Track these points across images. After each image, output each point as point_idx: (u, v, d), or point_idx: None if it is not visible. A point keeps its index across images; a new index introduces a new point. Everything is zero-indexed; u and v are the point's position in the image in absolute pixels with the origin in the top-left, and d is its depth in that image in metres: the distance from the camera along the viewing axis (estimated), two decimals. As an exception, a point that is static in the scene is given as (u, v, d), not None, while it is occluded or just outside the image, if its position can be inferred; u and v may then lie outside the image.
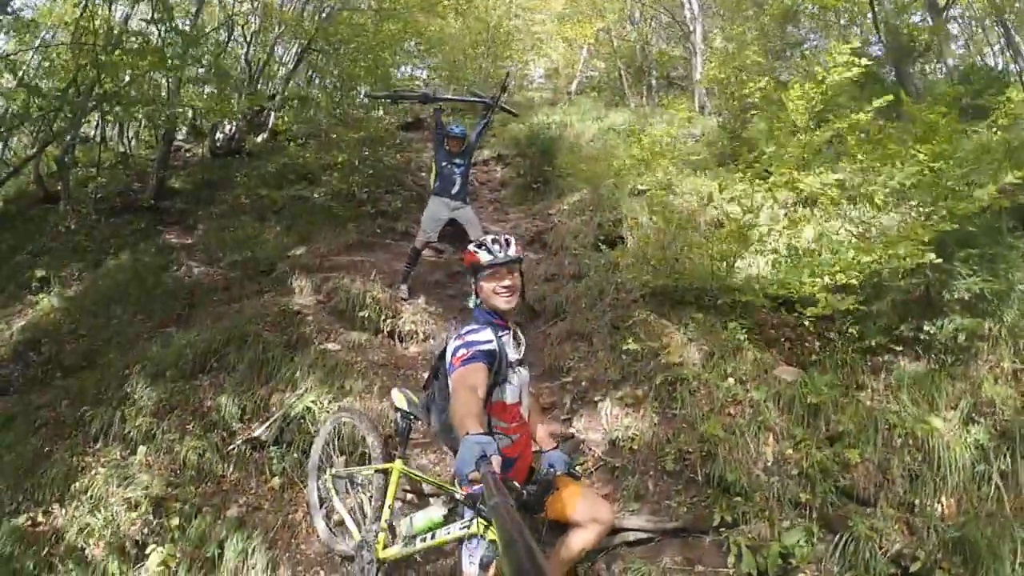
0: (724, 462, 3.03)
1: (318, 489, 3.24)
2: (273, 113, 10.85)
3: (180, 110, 8.92)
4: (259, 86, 10.86)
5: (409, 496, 3.37)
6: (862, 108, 3.92)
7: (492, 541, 2.09)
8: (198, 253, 6.83)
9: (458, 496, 2.36)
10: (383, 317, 5.02)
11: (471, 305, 2.44)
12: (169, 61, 6.67)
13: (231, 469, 3.72)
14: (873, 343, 3.46)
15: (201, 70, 8.33)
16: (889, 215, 3.96)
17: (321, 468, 3.27)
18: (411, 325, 5.03)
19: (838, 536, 2.63)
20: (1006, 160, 3.68)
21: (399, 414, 2.87)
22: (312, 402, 3.87)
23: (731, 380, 3.46)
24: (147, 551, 3.20)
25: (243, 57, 10.63)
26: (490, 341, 2.21)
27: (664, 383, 3.58)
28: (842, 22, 11.65)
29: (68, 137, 7.66)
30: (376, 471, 2.91)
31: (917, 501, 2.72)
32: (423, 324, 5.08)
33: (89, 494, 3.47)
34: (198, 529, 3.33)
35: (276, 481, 3.61)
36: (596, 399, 3.83)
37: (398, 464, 2.76)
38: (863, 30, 10.90)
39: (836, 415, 3.08)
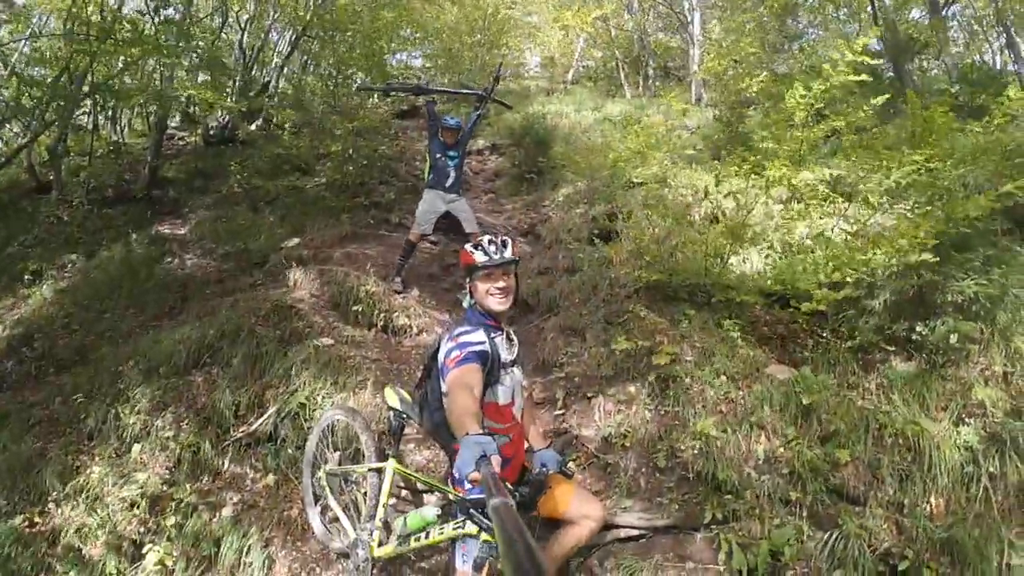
0: (716, 460, 3.05)
1: (313, 486, 3.24)
2: (267, 101, 10.75)
3: (175, 93, 8.82)
4: (253, 73, 10.75)
5: (403, 494, 3.38)
6: (860, 106, 3.90)
7: (486, 541, 2.10)
8: (191, 244, 6.80)
9: (451, 496, 2.38)
10: (377, 311, 5.00)
11: (465, 304, 2.45)
12: (163, 49, 6.60)
13: (227, 466, 3.72)
14: (865, 342, 3.47)
15: (196, 58, 8.25)
16: (884, 214, 3.95)
17: (315, 465, 3.26)
18: (405, 319, 5.02)
19: (828, 534, 2.65)
20: (1003, 161, 3.68)
21: (392, 412, 2.87)
22: (306, 398, 3.86)
23: (724, 378, 3.47)
24: (144, 550, 3.21)
25: (237, 44, 10.52)
26: (483, 342, 2.22)
27: (657, 380, 3.59)
28: (841, 16, 11.59)
29: (60, 126, 7.58)
30: (370, 470, 2.91)
31: (906, 501, 2.73)
32: (417, 318, 5.07)
33: (85, 493, 3.47)
34: (194, 527, 3.34)
35: (271, 478, 3.62)
36: (589, 395, 3.83)
37: (392, 463, 2.76)
38: (862, 25, 10.84)
39: (828, 414, 3.09)
